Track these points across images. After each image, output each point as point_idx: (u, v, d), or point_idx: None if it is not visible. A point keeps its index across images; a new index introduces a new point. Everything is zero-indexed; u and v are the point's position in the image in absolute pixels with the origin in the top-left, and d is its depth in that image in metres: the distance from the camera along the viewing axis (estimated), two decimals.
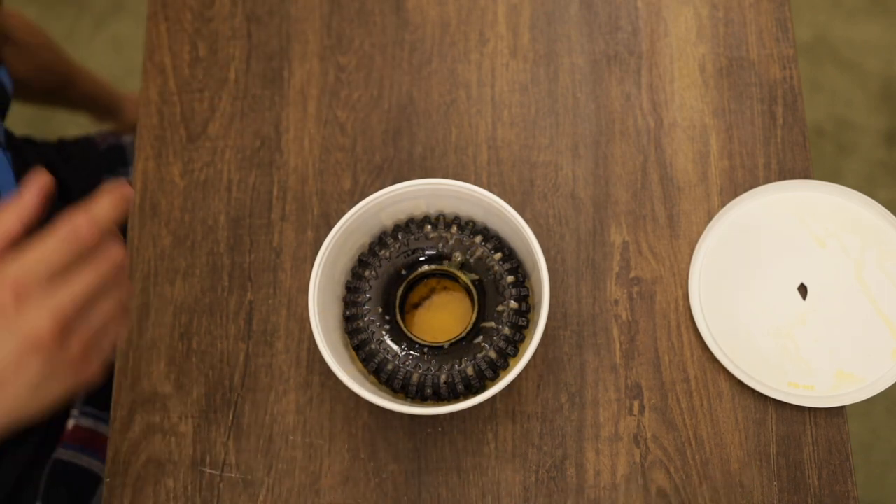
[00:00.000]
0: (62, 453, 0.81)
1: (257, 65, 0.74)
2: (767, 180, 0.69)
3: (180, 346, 0.68)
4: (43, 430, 0.80)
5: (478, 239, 0.63)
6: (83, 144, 0.94)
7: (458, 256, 0.63)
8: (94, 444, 0.82)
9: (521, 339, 0.61)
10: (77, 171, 0.90)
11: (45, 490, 0.79)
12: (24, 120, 1.53)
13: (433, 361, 0.61)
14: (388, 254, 0.63)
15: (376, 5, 0.75)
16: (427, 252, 0.63)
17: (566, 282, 0.68)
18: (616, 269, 0.68)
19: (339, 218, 0.65)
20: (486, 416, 0.65)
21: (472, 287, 0.63)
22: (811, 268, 0.66)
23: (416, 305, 0.65)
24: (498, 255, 0.62)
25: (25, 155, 0.87)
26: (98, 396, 0.83)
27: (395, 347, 0.61)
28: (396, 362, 0.61)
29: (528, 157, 0.71)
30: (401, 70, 0.73)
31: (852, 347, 0.64)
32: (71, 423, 0.82)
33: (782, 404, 0.64)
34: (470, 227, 0.63)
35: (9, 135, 0.80)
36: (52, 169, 0.86)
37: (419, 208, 0.64)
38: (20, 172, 0.79)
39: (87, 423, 0.83)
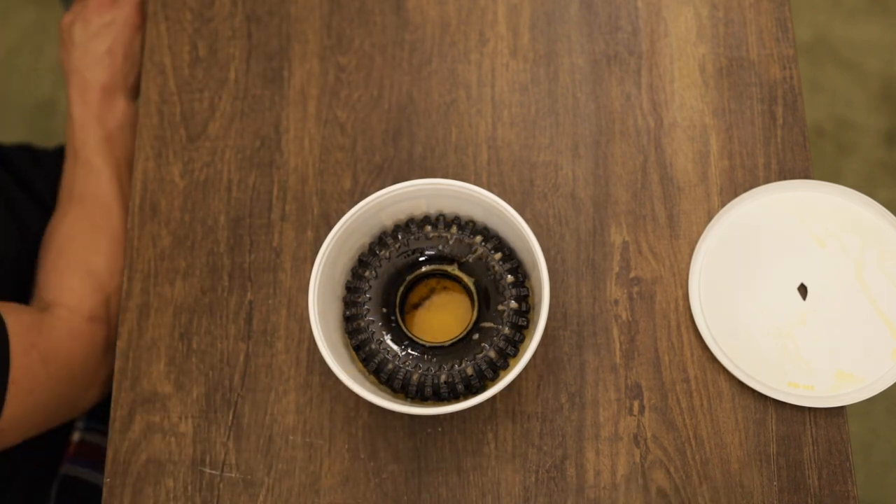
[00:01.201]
0: (70, 469, 0.81)
1: (257, 65, 0.74)
2: (767, 180, 0.69)
3: (180, 346, 0.68)
4: (46, 443, 0.80)
5: (478, 239, 0.63)
6: None
7: (455, 268, 0.63)
8: (104, 459, 0.82)
9: (521, 339, 0.61)
10: None
11: None
12: (23, 126, 1.53)
13: (433, 361, 0.61)
14: (388, 254, 0.63)
15: (376, 5, 0.75)
16: (427, 252, 0.63)
17: (566, 282, 0.68)
18: (616, 269, 0.68)
19: (339, 218, 0.65)
20: (486, 416, 0.65)
21: (472, 287, 0.63)
22: (811, 268, 0.66)
23: (416, 305, 0.65)
24: (498, 255, 0.62)
25: (22, 162, 0.88)
26: (104, 412, 0.83)
27: (395, 347, 0.61)
28: (396, 362, 0.61)
29: (528, 157, 0.71)
30: (401, 70, 0.73)
31: (852, 347, 0.64)
32: (76, 437, 0.82)
33: (782, 404, 0.64)
34: (470, 227, 0.63)
35: None
36: (50, 177, 0.86)
37: (419, 208, 0.64)
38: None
39: (94, 438, 0.83)
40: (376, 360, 0.61)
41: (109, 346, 0.73)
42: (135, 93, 0.80)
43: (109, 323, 0.73)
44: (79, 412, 0.75)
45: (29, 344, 0.67)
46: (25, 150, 0.91)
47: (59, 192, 0.78)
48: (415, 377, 0.60)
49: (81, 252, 0.73)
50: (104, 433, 0.82)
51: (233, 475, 0.65)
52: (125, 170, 0.77)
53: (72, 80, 0.79)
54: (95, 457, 0.81)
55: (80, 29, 0.80)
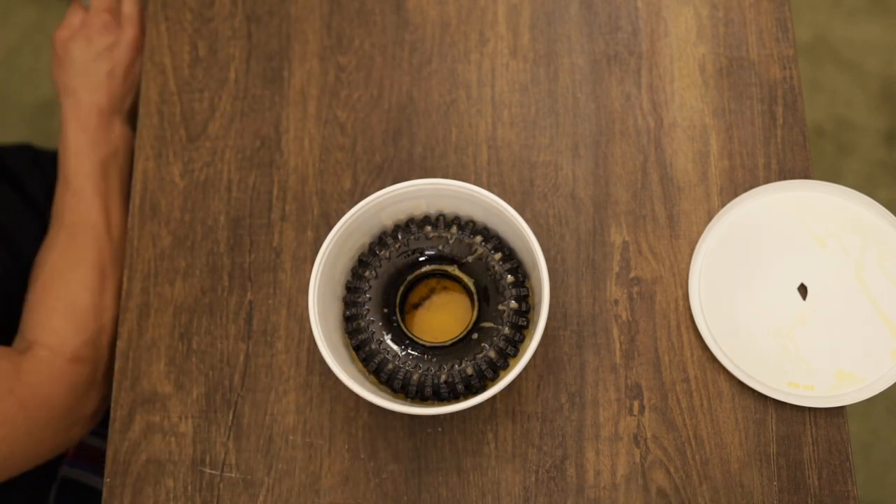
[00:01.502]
0: (70, 472, 0.81)
1: (257, 65, 0.74)
2: (767, 180, 0.69)
3: (180, 346, 0.68)
4: None
5: (478, 239, 0.63)
6: None
7: (455, 268, 0.63)
8: (103, 462, 0.82)
9: (521, 339, 0.61)
10: None
11: None
12: (23, 126, 1.53)
13: (433, 361, 0.61)
14: (388, 254, 0.63)
15: (376, 5, 0.75)
16: (427, 252, 0.63)
17: (566, 282, 0.68)
18: (616, 269, 0.68)
19: (339, 218, 0.65)
20: (486, 416, 0.65)
21: (472, 287, 0.63)
22: (811, 268, 0.66)
23: (416, 305, 0.65)
24: (498, 255, 0.62)
25: (21, 162, 0.87)
26: (106, 411, 0.83)
27: (395, 347, 0.61)
28: (396, 362, 0.61)
29: (528, 157, 0.71)
30: (401, 70, 0.73)
31: (852, 347, 0.64)
32: None
33: (782, 404, 0.64)
34: (470, 227, 0.63)
35: None
36: (48, 180, 0.85)
37: (419, 208, 0.64)
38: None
39: (93, 441, 0.82)
40: (376, 360, 0.61)
41: (94, 385, 0.72)
42: (131, 116, 0.79)
43: (96, 362, 0.72)
44: (61, 451, 0.73)
45: (6, 390, 0.66)
46: (25, 150, 0.91)
47: (51, 216, 0.76)
48: (415, 377, 0.60)
49: (67, 288, 0.72)
50: (104, 436, 0.82)
51: (233, 475, 0.65)
52: (118, 199, 0.75)
53: (67, 101, 0.77)
54: (95, 459, 0.81)
55: (82, 48, 0.77)
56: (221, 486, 0.65)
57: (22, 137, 1.43)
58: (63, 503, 0.79)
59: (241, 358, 0.68)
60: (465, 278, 0.63)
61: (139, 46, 0.78)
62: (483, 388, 0.60)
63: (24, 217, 0.83)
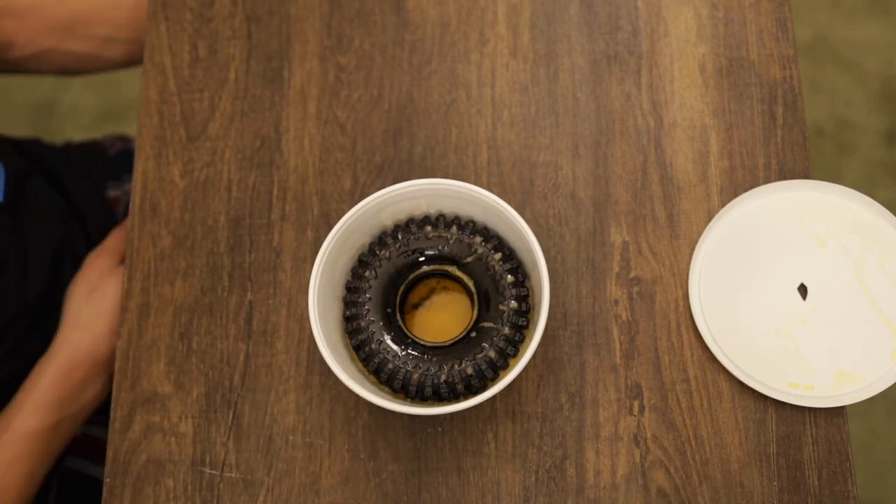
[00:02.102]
0: (72, 462, 0.81)
1: (257, 65, 0.74)
2: (767, 180, 0.69)
3: (180, 346, 0.68)
4: None
5: (478, 239, 0.63)
6: (90, 149, 0.92)
7: (455, 269, 0.63)
8: (104, 453, 0.82)
9: (521, 339, 0.61)
10: (81, 178, 0.88)
11: (56, 501, 0.79)
12: (23, 126, 1.53)
13: (433, 361, 0.61)
14: (388, 254, 0.63)
15: (376, 5, 0.75)
16: (427, 252, 0.63)
17: (566, 282, 0.68)
18: (616, 269, 0.68)
19: (339, 218, 0.65)
20: (486, 416, 0.65)
21: (472, 287, 0.63)
22: (811, 268, 0.66)
23: (416, 305, 0.65)
24: (498, 255, 0.62)
25: (28, 159, 0.87)
26: (107, 406, 0.82)
27: (395, 347, 0.61)
28: (396, 362, 0.61)
29: (528, 157, 0.71)
30: (401, 70, 0.73)
31: (852, 347, 0.64)
32: (78, 431, 0.82)
33: (782, 404, 0.64)
34: (470, 227, 0.63)
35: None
36: (54, 175, 0.85)
37: (419, 208, 0.64)
38: (19, 181, 0.78)
39: (96, 432, 0.82)
40: (376, 360, 0.61)
41: None
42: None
43: None
44: None
45: None
46: (33, 143, 0.91)
47: None
48: (415, 377, 0.60)
49: None
50: (105, 425, 0.82)
51: (233, 475, 0.65)
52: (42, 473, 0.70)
53: (69, 336, 0.72)
54: (96, 450, 0.81)
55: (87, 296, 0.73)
56: (221, 486, 0.65)
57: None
58: (65, 493, 0.79)
59: (241, 358, 0.68)
60: (466, 278, 0.63)
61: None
62: (483, 388, 0.60)
63: (59, 207, 0.82)
